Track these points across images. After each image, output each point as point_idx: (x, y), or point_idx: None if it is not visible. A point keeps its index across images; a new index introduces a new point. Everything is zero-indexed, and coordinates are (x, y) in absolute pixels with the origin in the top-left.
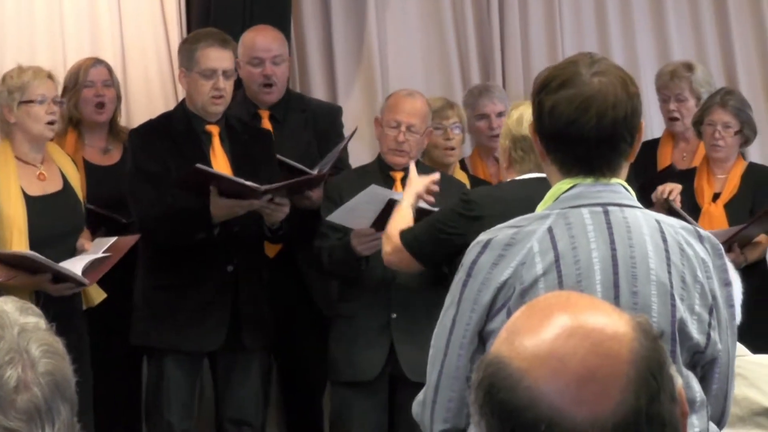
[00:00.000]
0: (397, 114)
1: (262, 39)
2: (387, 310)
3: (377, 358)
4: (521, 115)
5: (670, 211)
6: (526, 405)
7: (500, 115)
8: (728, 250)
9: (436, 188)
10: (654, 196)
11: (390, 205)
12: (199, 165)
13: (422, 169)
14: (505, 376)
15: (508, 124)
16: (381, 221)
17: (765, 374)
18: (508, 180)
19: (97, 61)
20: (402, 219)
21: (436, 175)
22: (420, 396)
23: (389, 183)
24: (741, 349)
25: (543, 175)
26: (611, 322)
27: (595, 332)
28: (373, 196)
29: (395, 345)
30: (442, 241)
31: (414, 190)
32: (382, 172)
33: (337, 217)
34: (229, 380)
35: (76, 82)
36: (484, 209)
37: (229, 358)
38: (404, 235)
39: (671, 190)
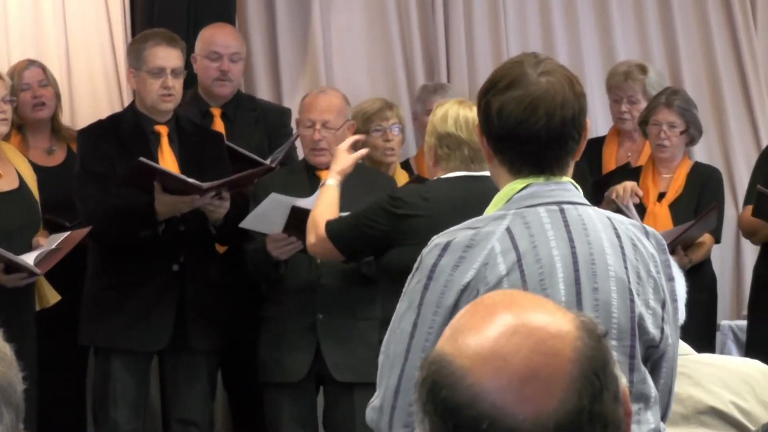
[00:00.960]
0: (310, 113)
1: (222, 35)
2: (312, 311)
3: (304, 360)
4: (446, 113)
5: (618, 210)
6: (468, 403)
7: None
8: (672, 251)
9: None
10: (612, 195)
11: (295, 212)
12: (143, 159)
13: (361, 172)
14: (447, 373)
15: (434, 122)
16: (291, 226)
17: (709, 373)
18: (435, 179)
19: (30, 62)
20: (328, 204)
21: (364, 151)
22: (375, 401)
23: (315, 182)
24: (685, 347)
25: (469, 173)
26: (555, 321)
27: (539, 331)
28: (276, 203)
29: (321, 346)
30: (366, 236)
31: (340, 167)
32: (308, 171)
33: (248, 223)
34: (176, 380)
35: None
36: (411, 208)
37: (176, 358)
38: (329, 226)
39: (631, 188)
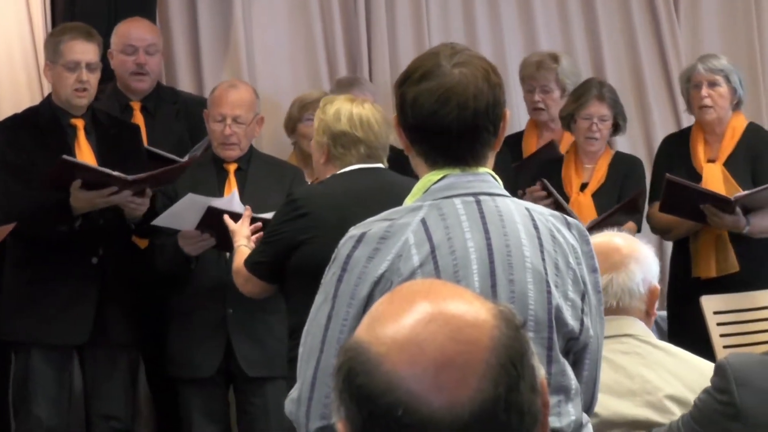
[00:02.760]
0: (221, 107)
1: (136, 28)
2: (222, 305)
3: (214, 355)
4: (338, 111)
5: (548, 194)
6: (383, 390)
7: None
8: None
9: (258, 225)
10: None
11: (210, 211)
12: (65, 156)
13: (269, 165)
14: (363, 360)
15: (326, 120)
16: (204, 224)
17: (662, 360)
18: (330, 175)
19: None
20: (242, 256)
21: (248, 211)
22: (293, 393)
23: (223, 176)
24: (648, 333)
25: (364, 165)
26: (472, 310)
27: (455, 319)
28: (192, 203)
29: (232, 341)
30: (274, 249)
31: (243, 235)
32: (216, 164)
33: (162, 221)
34: (96, 375)
35: None
36: (309, 205)
37: (96, 352)
38: (247, 261)
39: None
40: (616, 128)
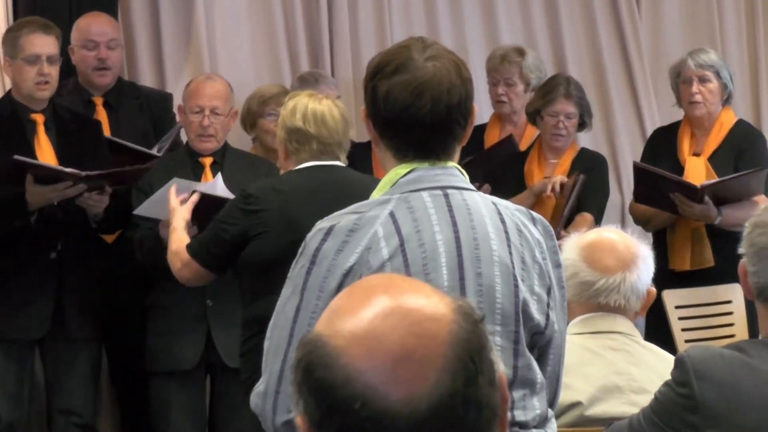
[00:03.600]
0: (199, 99)
1: (96, 23)
2: (202, 297)
3: (194, 347)
4: (295, 106)
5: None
6: (341, 383)
7: None
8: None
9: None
10: (548, 190)
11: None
12: (17, 157)
13: (245, 159)
14: (322, 354)
15: (283, 115)
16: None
17: (649, 360)
18: (287, 171)
19: None
20: (181, 239)
21: (195, 196)
22: (260, 387)
23: (198, 170)
24: (633, 329)
25: (318, 162)
26: (431, 304)
27: (414, 312)
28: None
29: (212, 333)
30: (225, 241)
31: (181, 217)
32: (191, 158)
33: (143, 210)
34: (57, 370)
35: None
36: (263, 202)
37: (56, 348)
38: (190, 245)
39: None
40: (582, 125)
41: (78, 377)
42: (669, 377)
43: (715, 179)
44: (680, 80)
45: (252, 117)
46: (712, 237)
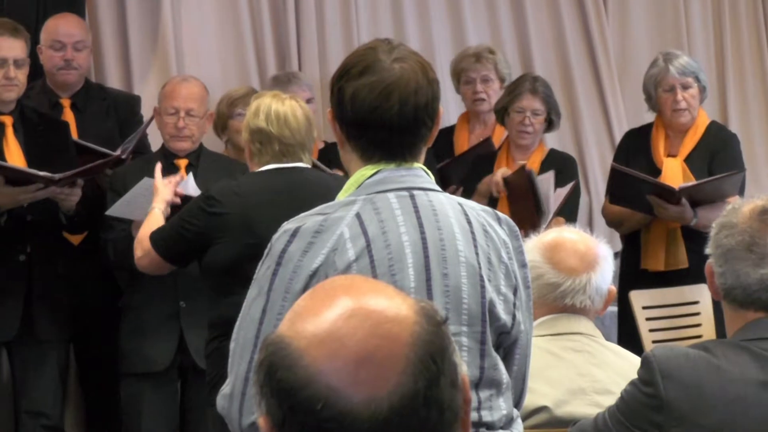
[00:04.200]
0: (174, 100)
1: (64, 24)
2: (175, 299)
3: (167, 348)
4: (258, 107)
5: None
6: (303, 384)
7: (308, 102)
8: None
9: (181, 191)
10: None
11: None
12: None
13: (219, 161)
14: (284, 355)
15: (247, 116)
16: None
17: (611, 361)
18: (248, 173)
19: None
20: (154, 225)
21: (177, 176)
22: (226, 389)
23: (173, 171)
24: (594, 330)
25: (279, 165)
26: (393, 305)
27: (376, 314)
28: (147, 188)
29: (184, 334)
30: (185, 238)
31: (163, 198)
32: (166, 160)
33: (115, 210)
34: (25, 371)
35: None
36: (223, 206)
37: (25, 349)
38: (153, 235)
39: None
40: (550, 124)
41: (46, 379)
42: (631, 376)
43: (693, 182)
44: (661, 88)
45: (222, 119)
46: (687, 238)
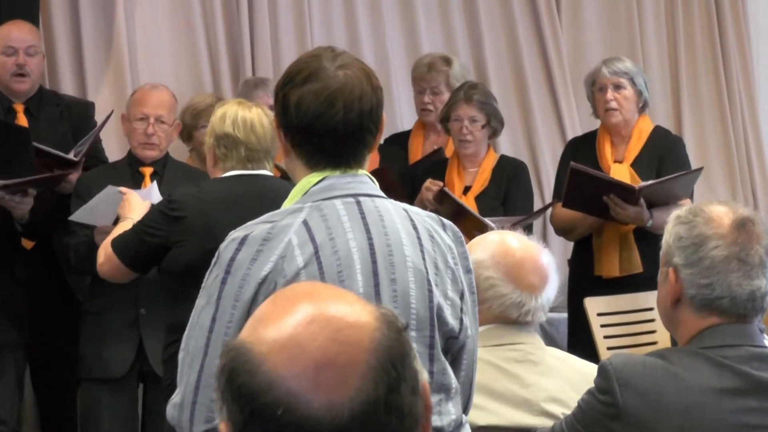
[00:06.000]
0: (144, 107)
1: (16, 30)
2: (135, 305)
3: (126, 355)
4: (224, 113)
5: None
6: (264, 389)
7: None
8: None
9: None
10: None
11: None
12: None
13: (187, 172)
14: (245, 360)
15: (213, 122)
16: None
17: (556, 366)
18: (211, 179)
19: None
20: (116, 234)
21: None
22: (176, 398)
23: (138, 179)
24: (535, 337)
25: (243, 172)
26: (353, 311)
27: (336, 320)
28: (110, 195)
29: (144, 341)
30: (146, 243)
31: (141, 212)
32: (131, 167)
33: (79, 216)
34: None
35: None
36: (185, 209)
37: None
38: (115, 240)
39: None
40: (493, 131)
41: (3, 385)
42: (576, 380)
43: (653, 180)
44: (595, 88)
45: (187, 129)
46: (639, 242)
